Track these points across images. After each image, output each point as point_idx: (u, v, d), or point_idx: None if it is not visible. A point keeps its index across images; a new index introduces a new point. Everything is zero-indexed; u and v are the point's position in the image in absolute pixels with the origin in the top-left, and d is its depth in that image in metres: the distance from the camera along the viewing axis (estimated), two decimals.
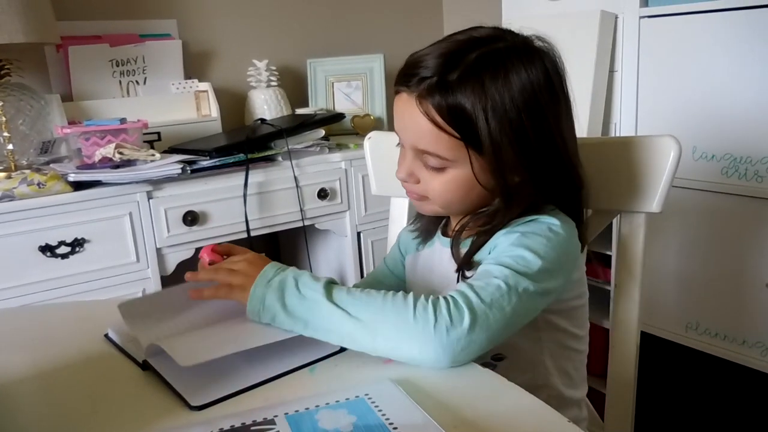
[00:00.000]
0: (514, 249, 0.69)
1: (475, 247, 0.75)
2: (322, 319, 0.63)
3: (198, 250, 1.52)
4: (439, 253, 0.83)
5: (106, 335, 0.75)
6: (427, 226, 0.88)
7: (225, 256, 0.78)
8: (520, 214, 0.74)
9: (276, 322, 0.65)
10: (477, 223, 0.77)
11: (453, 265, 0.77)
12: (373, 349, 0.63)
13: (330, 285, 0.65)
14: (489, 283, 0.65)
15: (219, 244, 0.81)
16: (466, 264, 0.75)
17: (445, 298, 0.63)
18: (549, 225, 0.72)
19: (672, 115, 1.43)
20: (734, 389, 1.41)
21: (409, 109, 0.72)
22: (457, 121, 0.69)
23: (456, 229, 0.79)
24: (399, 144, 0.78)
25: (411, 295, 0.63)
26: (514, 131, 0.69)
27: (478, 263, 0.72)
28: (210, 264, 0.78)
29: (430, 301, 0.62)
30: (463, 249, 0.77)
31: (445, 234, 0.84)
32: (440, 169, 0.74)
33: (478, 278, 0.67)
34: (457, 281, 0.75)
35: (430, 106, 0.70)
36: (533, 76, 0.70)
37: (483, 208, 0.76)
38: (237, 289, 0.68)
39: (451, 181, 0.74)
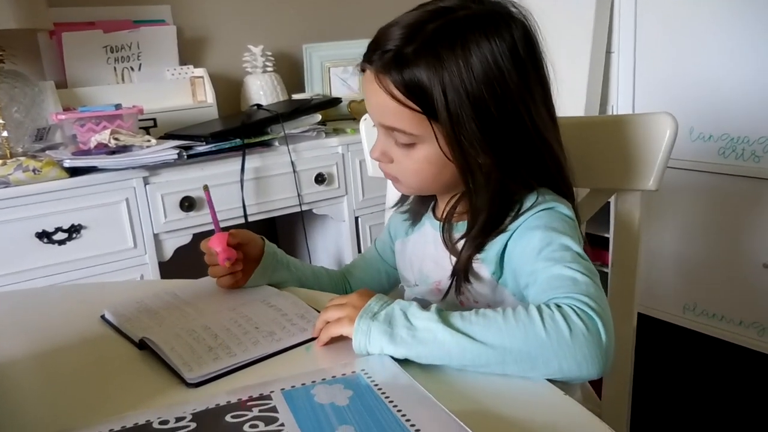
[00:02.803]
0: (553, 240, 0.66)
1: (471, 251, 0.72)
2: (438, 348, 0.57)
3: (196, 236, 1.52)
4: (431, 237, 0.81)
5: (103, 316, 0.75)
6: (416, 207, 0.86)
7: (238, 247, 0.78)
8: (509, 198, 0.71)
9: (387, 352, 0.59)
10: (465, 206, 0.75)
11: (444, 250, 0.76)
12: (503, 370, 0.57)
13: (441, 312, 0.60)
14: (575, 281, 0.61)
15: (229, 232, 0.78)
16: (463, 268, 0.72)
17: (567, 305, 0.58)
18: (562, 212, 0.70)
19: (669, 96, 1.42)
20: (731, 369, 1.42)
21: (371, 86, 0.70)
22: (415, 95, 0.67)
23: (446, 211, 0.77)
24: (375, 125, 0.77)
25: (532, 308, 0.58)
26: (474, 105, 0.67)
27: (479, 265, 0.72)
28: (227, 260, 0.77)
29: (554, 310, 0.57)
30: (456, 233, 0.76)
31: (435, 217, 0.82)
32: (410, 146, 0.72)
33: (554, 285, 0.62)
34: (453, 276, 0.73)
35: (389, 81, 0.68)
36: (496, 48, 0.67)
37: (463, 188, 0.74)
38: (345, 321, 0.62)
39: (423, 159, 0.72)
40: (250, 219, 1.59)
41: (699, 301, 1.45)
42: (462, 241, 0.74)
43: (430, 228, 0.82)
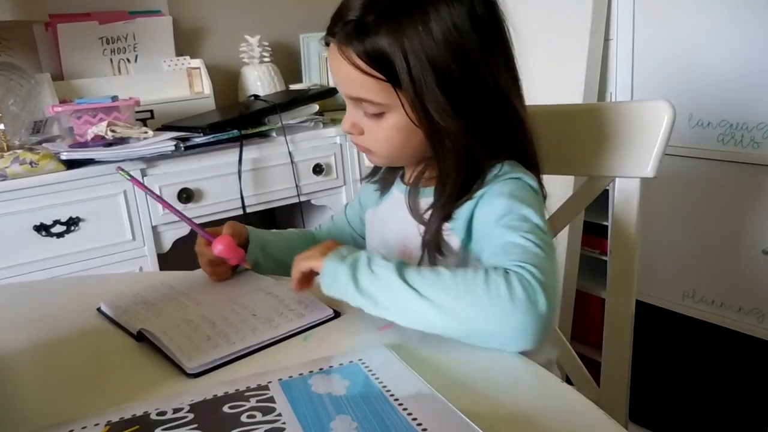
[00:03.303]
0: (514, 209, 0.67)
1: (439, 221, 0.73)
2: (393, 299, 0.60)
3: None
4: (398, 202, 0.81)
5: (99, 309, 0.75)
6: (385, 174, 0.87)
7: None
8: (476, 164, 0.72)
9: (347, 297, 0.63)
10: (432, 172, 0.76)
11: (409, 216, 0.76)
12: (445, 331, 0.59)
13: (402, 264, 0.62)
14: (526, 250, 0.62)
15: (224, 234, 0.79)
16: (433, 240, 0.73)
17: (514, 271, 0.59)
18: (528, 183, 0.71)
19: (668, 83, 1.41)
20: (731, 355, 1.42)
21: (336, 58, 0.71)
22: (378, 64, 0.68)
23: (413, 176, 0.77)
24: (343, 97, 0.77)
25: (480, 270, 0.59)
26: (436, 69, 0.67)
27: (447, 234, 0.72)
28: (243, 260, 0.78)
29: (500, 275, 0.58)
30: (423, 199, 0.76)
31: (404, 182, 0.83)
32: (379, 116, 0.72)
33: (506, 251, 0.63)
34: (423, 248, 0.74)
35: (352, 51, 0.69)
36: (455, 12, 0.68)
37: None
38: (316, 255, 0.67)
39: (392, 127, 0.72)
40: (249, 210, 1.59)
41: (698, 288, 1.45)
42: (429, 211, 0.74)
43: (397, 192, 0.83)
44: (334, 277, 0.64)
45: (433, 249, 0.73)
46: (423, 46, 0.67)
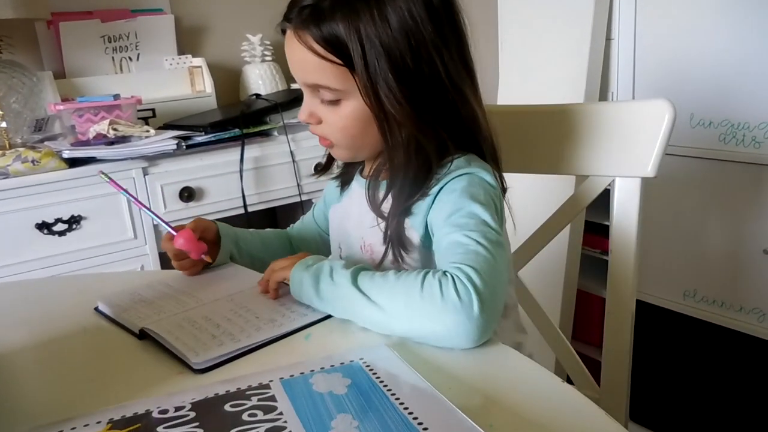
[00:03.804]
0: (464, 206, 0.68)
1: (398, 215, 0.73)
2: (346, 305, 0.64)
3: None
4: (357, 196, 0.82)
5: (96, 308, 0.75)
6: (345, 169, 0.88)
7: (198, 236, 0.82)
8: (427, 157, 0.72)
9: (312, 303, 0.68)
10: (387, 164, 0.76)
11: (368, 210, 0.76)
12: (392, 332, 0.62)
13: (358, 270, 0.65)
14: (467, 249, 0.64)
15: (187, 228, 0.82)
16: (395, 235, 0.73)
17: (450, 273, 0.61)
18: (482, 178, 0.72)
19: (669, 83, 1.41)
20: (731, 355, 1.42)
21: (292, 44, 0.71)
22: (335, 48, 0.69)
23: (372, 168, 0.78)
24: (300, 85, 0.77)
25: (421, 273, 0.62)
26: (389, 55, 0.68)
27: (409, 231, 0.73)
28: (204, 254, 0.81)
29: (437, 277, 0.60)
30: (382, 191, 0.76)
31: (362, 176, 0.84)
32: (335, 103, 0.72)
33: (450, 252, 0.65)
34: (386, 243, 0.74)
35: (309, 36, 0.69)
36: (411, 1, 0.68)
37: None
38: (288, 268, 0.70)
39: (349, 115, 0.72)
40: (250, 209, 1.59)
41: (699, 288, 1.45)
42: (387, 204, 0.75)
43: (356, 187, 0.84)
44: (300, 286, 0.68)
45: (396, 245, 0.74)
46: (378, 32, 0.67)
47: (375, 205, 0.76)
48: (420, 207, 0.73)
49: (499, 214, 0.71)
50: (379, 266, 0.76)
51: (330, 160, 0.88)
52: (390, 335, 0.62)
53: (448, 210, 0.69)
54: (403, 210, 0.73)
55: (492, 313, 0.59)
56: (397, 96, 0.69)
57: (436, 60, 0.70)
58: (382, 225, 0.75)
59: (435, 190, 0.72)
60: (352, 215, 0.83)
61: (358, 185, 0.83)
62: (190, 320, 0.67)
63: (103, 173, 0.86)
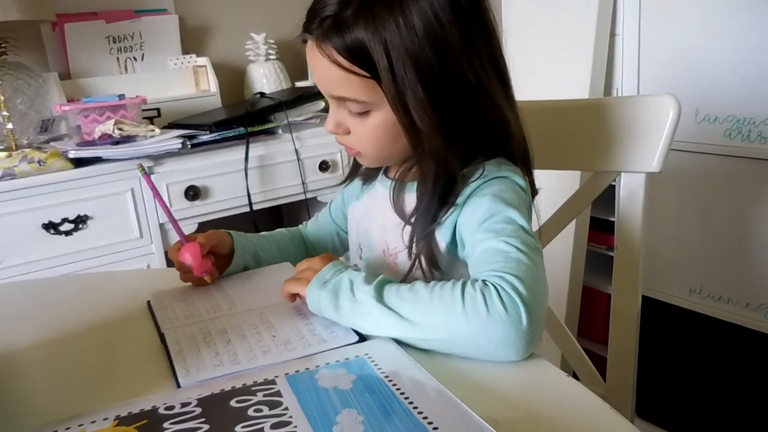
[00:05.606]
0: (498, 211, 0.65)
1: (426, 225, 0.70)
2: (374, 323, 0.60)
3: (201, 225, 1.53)
4: (380, 197, 0.78)
5: (148, 303, 0.75)
6: (368, 170, 0.84)
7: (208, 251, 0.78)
8: (456, 164, 0.69)
9: (335, 320, 0.64)
10: (419, 168, 0.72)
11: (391, 213, 0.74)
12: (428, 347, 0.59)
13: (382, 286, 0.61)
14: (509, 257, 0.60)
15: (197, 240, 0.78)
16: (425, 245, 0.70)
17: (492, 283, 0.57)
18: (515, 181, 0.69)
19: (674, 79, 1.41)
20: (738, 351, 1.42)
21: (315, 57, 0.68)
22: (359, 60, 0.65)
23: (399, 171, 0.75)
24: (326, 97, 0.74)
25: (458, 285, 0.58)
26: (416, 63, 0.64)
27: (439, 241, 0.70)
28: (205, 273, 0.77)
29: (478, 288, 0.57)
30: (408, 194, 0.73)
31: (387, 177, 0.80)
32: (364, 114, 0.69)
33: (488, 259, 0.62)
34: (411, 241, 0.71)
35: (331, 48, 0.65)
36: (436, 2, 0.64)
37: None
38: (303, 282, 0.66)
39: (378, 126, 0.69)
40: (255, 207, 1.60)
41: (705, 284, 1.45)
42: (410, 206, 0.72)
43: (380, 188, 0.81)
44: (317, 304, 0.64)
45: (429, 265, 0.70)
46: (403, 39, 0.63)
47: (400, 208, 0.73)
48: (447, 215, 0.70)
49: (530, 219, 0.68)
50: (404, 280, 0.72)
51: (356, 166, 0.85)
52: (427, 349, 0.58)
53: (481, 215, 0.66)
54: (430, 219, 0.70)
55: (538, 324, 0.56)
56: (426, 109, 0.66)
57: (465, 67, 0.66)
58: (407, 229, 0.72)
59: (464, 195, 0.69)
60: (374, 216, 0.80)
61: (382, 186, 0.80)
62: (206, 331, 0.66)
63: (141, 167, 0.81)
